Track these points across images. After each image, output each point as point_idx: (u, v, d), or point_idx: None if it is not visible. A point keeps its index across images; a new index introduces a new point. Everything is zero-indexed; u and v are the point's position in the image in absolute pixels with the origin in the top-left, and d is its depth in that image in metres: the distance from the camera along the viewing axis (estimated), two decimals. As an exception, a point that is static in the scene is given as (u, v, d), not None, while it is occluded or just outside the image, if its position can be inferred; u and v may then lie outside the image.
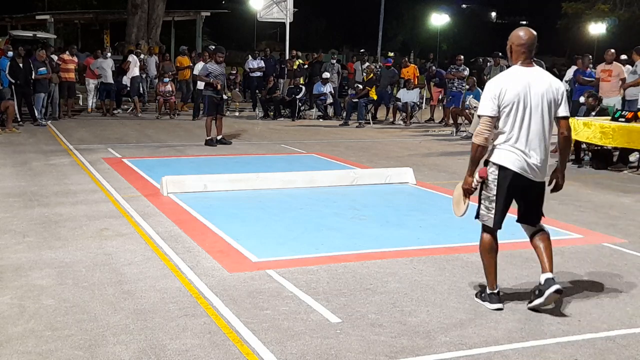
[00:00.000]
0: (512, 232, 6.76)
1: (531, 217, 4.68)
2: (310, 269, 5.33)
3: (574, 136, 11.27)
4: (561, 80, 23.10)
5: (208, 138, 12.43)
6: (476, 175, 4.53)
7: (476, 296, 4.76)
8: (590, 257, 5.89)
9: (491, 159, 4.48)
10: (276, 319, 4.31)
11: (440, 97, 18.51)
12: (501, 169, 4.41)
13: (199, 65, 16.88)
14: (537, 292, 4.54)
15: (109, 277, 5.03)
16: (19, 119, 14.54)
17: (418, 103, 17.88)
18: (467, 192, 4.59)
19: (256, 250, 5.76)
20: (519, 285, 5.09)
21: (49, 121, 15.17)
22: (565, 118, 4.47)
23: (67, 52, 16.68)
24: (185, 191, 8.02)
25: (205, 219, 6.83)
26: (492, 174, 4.46)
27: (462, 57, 17.07)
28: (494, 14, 73.93)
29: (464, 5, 68.02)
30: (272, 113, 18.02)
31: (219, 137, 12.57)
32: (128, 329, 4.10)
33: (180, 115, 17.65)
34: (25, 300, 4.54)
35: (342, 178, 9.06)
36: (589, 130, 10.95)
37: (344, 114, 17.50)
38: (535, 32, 4.42)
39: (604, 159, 11.17)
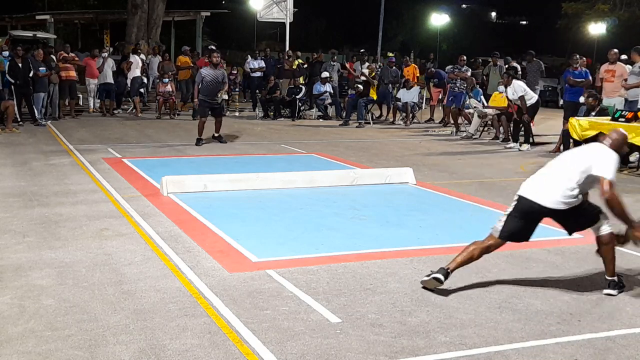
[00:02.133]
0: (512, 232, 6.74)
1: (576, 226, 5.08)
2: (310, 269, 5.33)
3: (573, 136, 11.30)
4: (558, 79, 23.19)
5: (199, 137, 12.48)
6: None
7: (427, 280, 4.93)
8: (590, 257, 5.87)
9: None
10: (276, 319, 4.31)
11: (440, 97, 18.50)
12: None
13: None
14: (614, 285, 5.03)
15: (109, 277, 5.03)
16: (19, 119, 14.54)
17: (418, 103, 17.87)
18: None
19: (256, 250, 5.76)
20: (519, 285, 5.09)
21: (49, 121, 15.17)
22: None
23: (62, 52, 16.69)
24: (185, 191, 8.02)
25: (205, 219, 6.83)
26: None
27: (464, 57, 16.97)
28: (494, 14, 73.89)
29: (464, 5, 67.97)
30: (272, 113, 18.01)
31: (216, 135, 12.74)
32: (128, 329, 4.10)
33: (180, 115, 17.66)
34: (25, 300, 4.54)
35: (342, 178, 9.06)
36: (589, 130, 10.95)
37: (344, 114, 17.50)
38: None
39: (604, 159, 11.14)
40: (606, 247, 4.97)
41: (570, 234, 5.14)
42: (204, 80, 12.29)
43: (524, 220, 4.84)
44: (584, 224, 5.01)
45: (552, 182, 4.80)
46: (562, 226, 5.07)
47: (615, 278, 5.02)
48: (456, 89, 16.19)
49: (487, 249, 4.95)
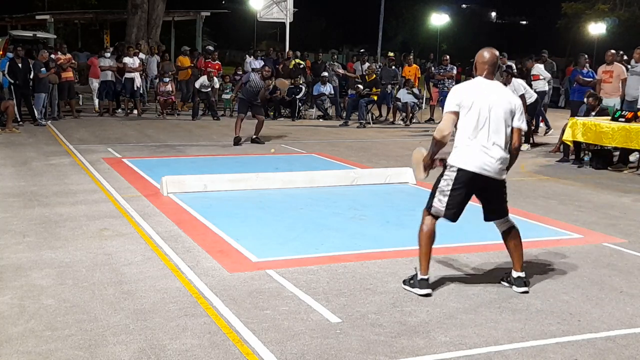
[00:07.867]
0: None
1: (497, 213, 4.99)
2: (310, 269, 5.33)
3: (574, 136, 11.29)
4: (562, 79, 23.24)
5: (235, 136, 12.70)
6: (436, 162, 4.96)
7: (404, 283, 4.96)
8: (590, 257, 5.89)
9: (450, 162, 4.83)
10: (276, 319, 4.31)
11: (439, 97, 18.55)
12: (460, 170, 4.76)
13: (201, 80, 17.08)
14: (508, 280, 5.02)
15: (109, 277, 5.03)
16: (19, 119, 14.54)
17: (418, 103, 17.88)
18: (426, 167, 5.03)
19: (256, 250, 5.76)
20: (519, 285, 5.08)
21: (49, 121, 15.17)
22: (518, 129, 4.83)
23: (59, 53, 16.70)
24: (185, 191, 8.02)
25: (205, 219, 6.83)
26: (452, 171, 4.80)
27: (447, 57, 17.80)
28: (494, 14, 73.96)
29: (464, 5, 68.06)
30: (272, 113, 18.01)
31: (254, 137, 12.97)
32: (128, 329, 4.10)
33: (180, 115, 17.65)
34: (25, 300, 4.54)
35: (342, 178, 9.05)
36: (589, 130, 10.95)
37: (344, 114, 17.50)
38: (497, 53, 4.95)
39: (604, 159, 11.16)
40: (519, 238, 5.00)
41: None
42: (248, 83, 12.75)
43: None
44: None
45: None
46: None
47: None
48: (445, 88, 16.24)
49: None
